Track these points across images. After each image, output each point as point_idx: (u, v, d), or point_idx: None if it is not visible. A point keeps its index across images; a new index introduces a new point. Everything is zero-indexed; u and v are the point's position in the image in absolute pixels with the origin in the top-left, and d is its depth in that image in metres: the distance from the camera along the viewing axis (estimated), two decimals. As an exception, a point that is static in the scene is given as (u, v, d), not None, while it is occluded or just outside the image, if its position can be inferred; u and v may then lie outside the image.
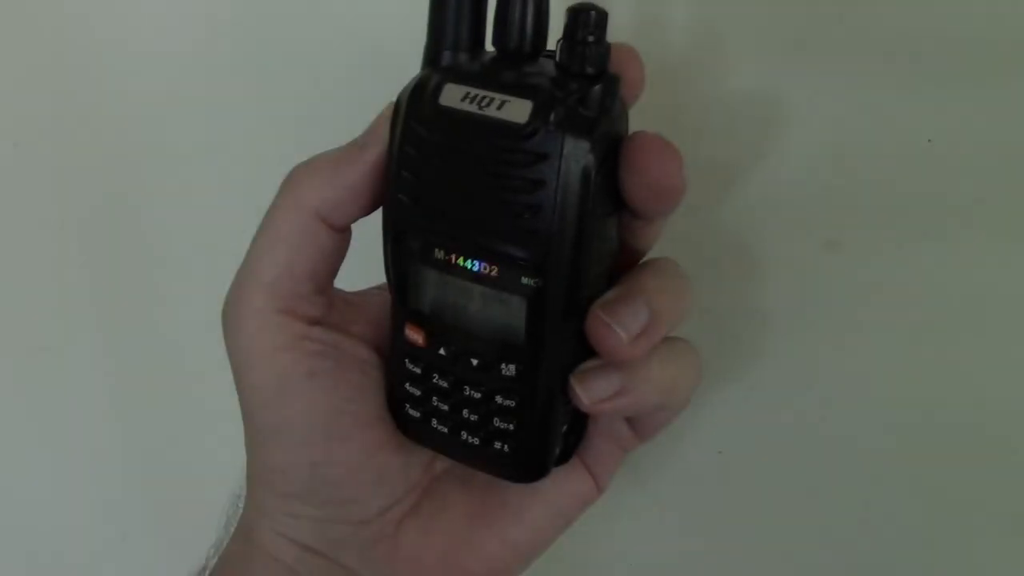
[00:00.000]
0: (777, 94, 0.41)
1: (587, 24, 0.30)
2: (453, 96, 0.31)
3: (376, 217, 0.35)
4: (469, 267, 0.32)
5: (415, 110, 0.32)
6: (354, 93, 0.48)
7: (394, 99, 0.33)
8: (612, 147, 0.31)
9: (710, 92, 0.42)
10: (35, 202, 0.61)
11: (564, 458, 0.36)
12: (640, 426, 0.37)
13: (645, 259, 0.36)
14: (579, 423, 0.37)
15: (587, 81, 0.30)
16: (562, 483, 0.37)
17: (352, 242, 0.37)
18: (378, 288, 0.39)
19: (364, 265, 0.37)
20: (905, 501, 0.44)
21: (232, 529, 0.39)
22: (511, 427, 0.34)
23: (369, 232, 0.35)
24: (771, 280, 0.44)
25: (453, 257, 0.32)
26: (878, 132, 0.39)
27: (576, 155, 0.30)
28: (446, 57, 0.32)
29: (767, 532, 0.48)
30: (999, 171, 0.38)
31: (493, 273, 0.32)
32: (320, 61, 0.50)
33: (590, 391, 0.33)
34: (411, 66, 0.33)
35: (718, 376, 0.45)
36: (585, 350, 0.33)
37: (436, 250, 0.32)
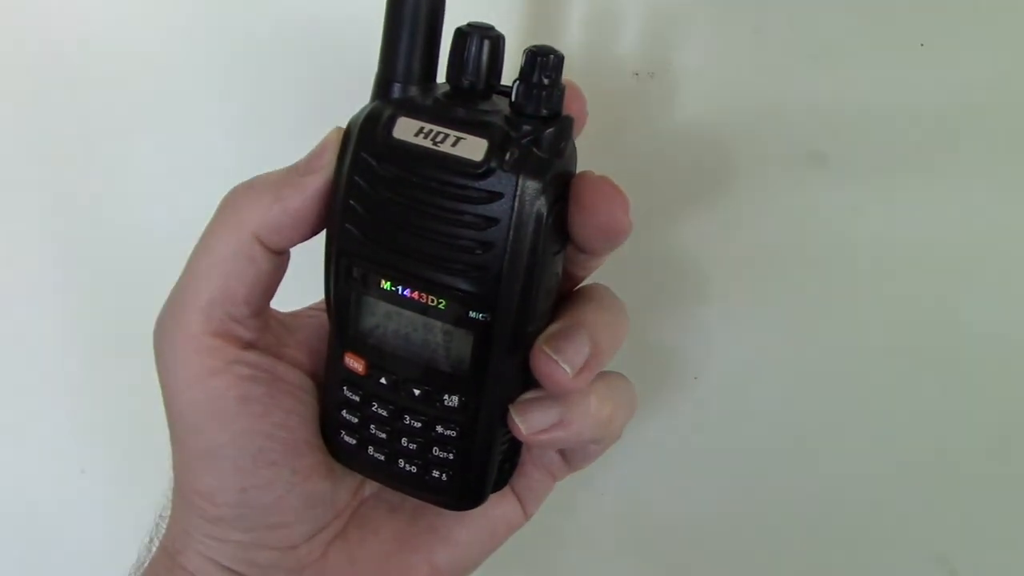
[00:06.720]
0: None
1: (544, 67, 0.30)
2: (407, 130, 0.31)
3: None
4: (416, 299, 0.32)
5: (366, 141, 0.31)
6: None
7: (340, 125, 0.33)
8: (563, 187, 0.31)
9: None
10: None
11: (499, 485, 0.37)
12: (572, 457, 0.38)
13: (582, 285, 0.36)
14: (514, 451, 0.37)
15: (541, 122, 0.31)
16: (491, 509, 0.38)
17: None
18: (311, 309, 0.39)
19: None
20: (880, 421, 0.45)
21: (155, 549, 0.38)
22: (450, 456, 0.34)
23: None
24: (748, 197, 0.43)
25: (400, 288, 0.32)
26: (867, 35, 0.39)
27: (530, 196, 0.30)
28: (396, 89, 0.32)
29: (741, 456, 0.48)
30: (993, 77, 0.38)
31: (440, 306, 0.32)
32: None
33: (528, 422, 0.33)
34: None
35: (694, 301, 0.45)
36: (526, 381, 0.33)
37: (382, 281, 0.32)
